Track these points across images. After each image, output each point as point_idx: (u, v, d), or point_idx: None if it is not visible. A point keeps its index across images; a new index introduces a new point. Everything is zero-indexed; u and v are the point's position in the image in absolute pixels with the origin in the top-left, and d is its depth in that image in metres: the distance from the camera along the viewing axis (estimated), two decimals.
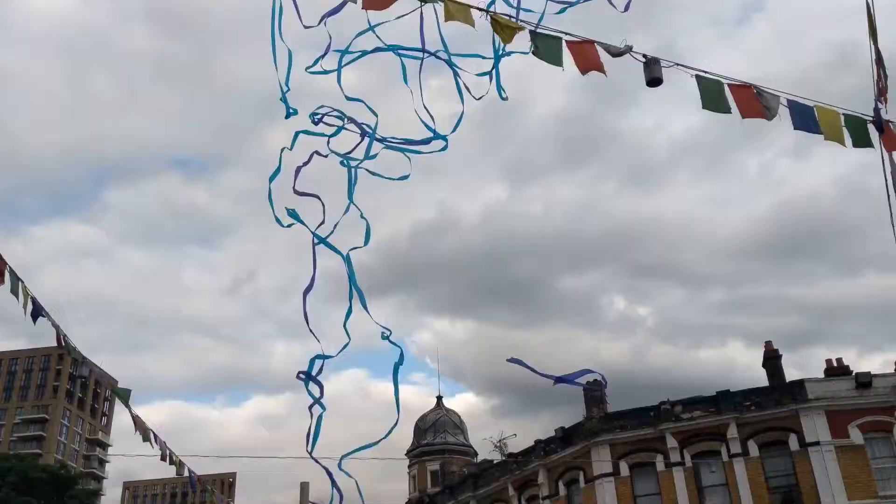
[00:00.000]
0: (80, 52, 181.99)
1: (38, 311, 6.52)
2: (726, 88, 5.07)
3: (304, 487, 13.86)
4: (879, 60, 4.94)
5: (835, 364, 31.16)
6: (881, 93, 5.05)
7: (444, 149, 5.62)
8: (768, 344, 32.77)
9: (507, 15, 5.32)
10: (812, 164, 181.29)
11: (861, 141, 4.99)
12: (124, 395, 8.36)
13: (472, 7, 5.26)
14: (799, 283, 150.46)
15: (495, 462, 39.71)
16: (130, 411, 8.48)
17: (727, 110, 5.04)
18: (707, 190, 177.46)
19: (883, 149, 5.23)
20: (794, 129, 5.15)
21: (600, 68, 5.11)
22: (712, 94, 5.08)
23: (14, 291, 6.04)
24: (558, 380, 5.50)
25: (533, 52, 5.21)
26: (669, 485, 29.18)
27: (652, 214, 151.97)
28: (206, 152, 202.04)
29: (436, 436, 49.40)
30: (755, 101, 5.01)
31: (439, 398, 53.35)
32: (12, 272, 6.02)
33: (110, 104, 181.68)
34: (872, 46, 4.93)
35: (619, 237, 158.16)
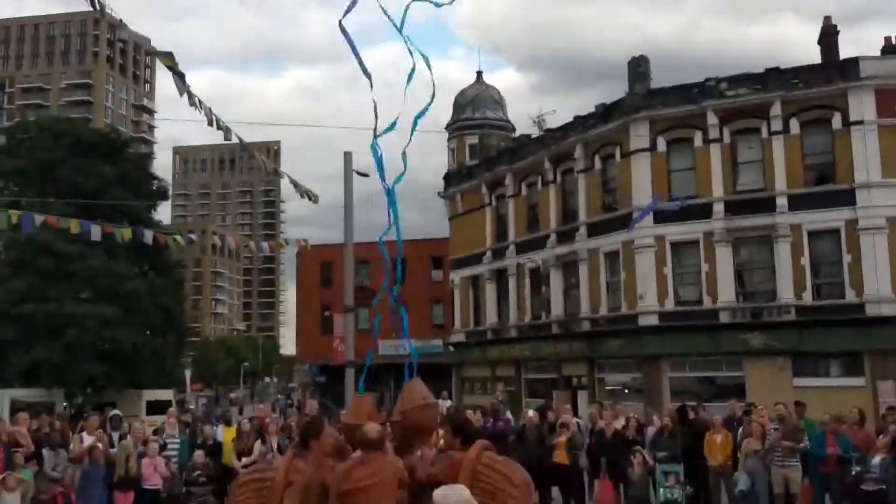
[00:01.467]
0: None
1: None
2: None
3: (348, 157, 14.17)
4: None
5: (894, 42, 29.86)
6: None
7: None
8: (827, 19, 31.22)
9: None
10: None
11: None
12: (168, 57, 8.24)
13: None
14: None
15: (533, 137, 40.20)
16: (176, 71, 8.40)
17: None
18: None
19: None
20: None
21: None
22: None
23: None
24: (635, 222, 5.09)
25: None
26: (705, 160, 29.55)
27: None
28: None
29: (475, 111, 49.56)
30: None
31: (479, 73, 52.73)
32: None
33: None
34: None
35: None
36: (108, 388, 36.71)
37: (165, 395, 35.72)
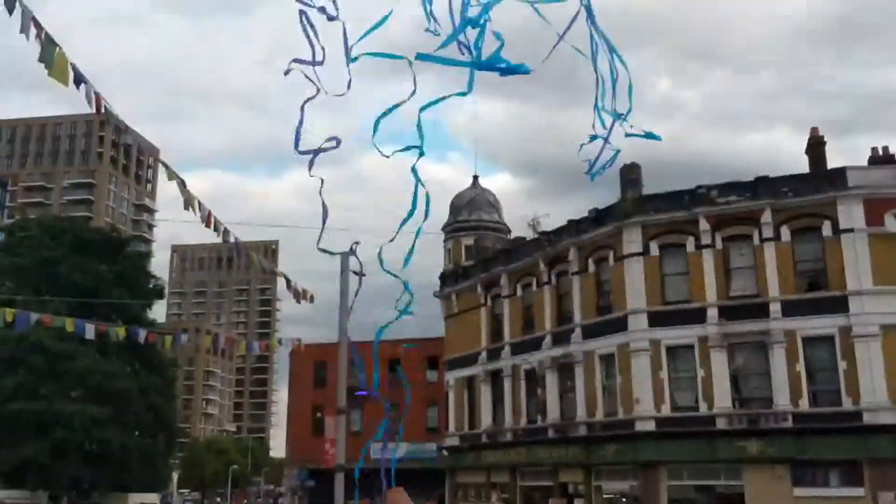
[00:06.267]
0: None
1: (78, 78, 6.48)
2: None
3: (345, 258, 14.30)
4: None
5: (880, 152, 30.64)
6: None
7: None
8: (814, 130, 32.13)
9: None
10: None
11: None
12: (170, 168, 8.48)
13: None
14: (856, 68, 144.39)
15: (528, 239, 40.65)
16: (177, 178, 8.63)
17: None
18: None
19: None
20: None
21: None
22: None
23: (48, 58, 5.96)
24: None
25: None
26: (698, 265, 29.85)
27: None
28: None
29: (471, 213, 50.33)
30: None
31: (475, 177, 53.82)
32: (48, 37, 5.92)
33: None
34: None
35: (668, 16, 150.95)
36: (94, 491, 35.86)
37: (151, 498, 34.88)
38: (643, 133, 4.99)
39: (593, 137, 4.99)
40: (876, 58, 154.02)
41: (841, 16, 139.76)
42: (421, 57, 4.31)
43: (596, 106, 4.78)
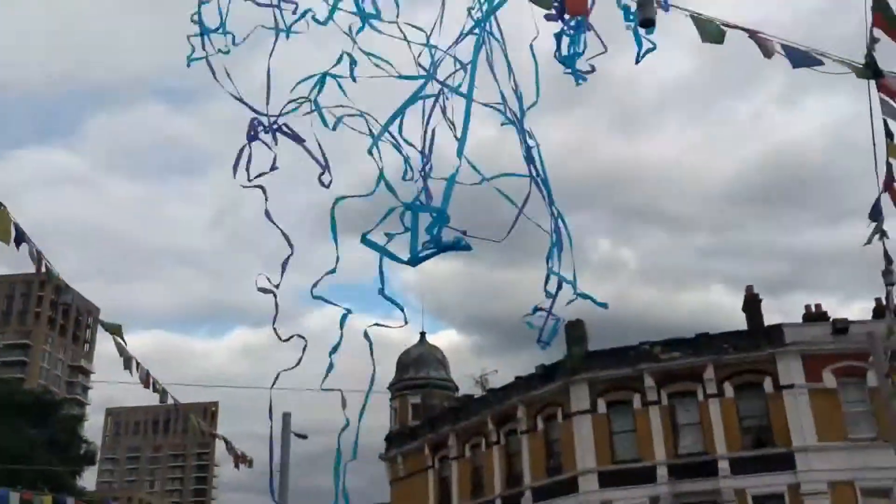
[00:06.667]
0: None
1: (20, 237, 6.45)
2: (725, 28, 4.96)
3: (287, 418, 14.02)
4: (876, 1, 4.86)
5: (813, 310, 31.63)
6: (876, 39, 4.98)
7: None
8: (749, 288, 33.14)
9: None
10: (801, 113, 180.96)
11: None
12: (114, 329, 8.32)
13: None
14: (784, 230, 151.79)
15: (476, 397, 40.27)
16: (121, 342, 8.45)
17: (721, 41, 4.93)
18: (695, 135, 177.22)
19: (872, 95, 5.19)
20: (794, 67, 5.03)
21: (586, 12, 4.91)
22: (712, 32, 4.97)
23: None
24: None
25: None
26: (645, 423, 29.79)
27: (638, 159, 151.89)
28: (191, 80, 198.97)
29: (418, 370, 49.90)
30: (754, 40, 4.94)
31: (422, 334, 53.73)
32: None
33: (96, 28, 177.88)
34: None
35: (605, 180, 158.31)
36: None
37: None
38: (592, 299, 5.11)
39: (536, 309, 5.09)
40: (800, 222, 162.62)
41: (764, 184, 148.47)
42: (366, 242, 4.38)
43: (549, 272, 4.91)
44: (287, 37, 5.18)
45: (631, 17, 5.05)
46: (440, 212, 4.35)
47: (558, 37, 5.09)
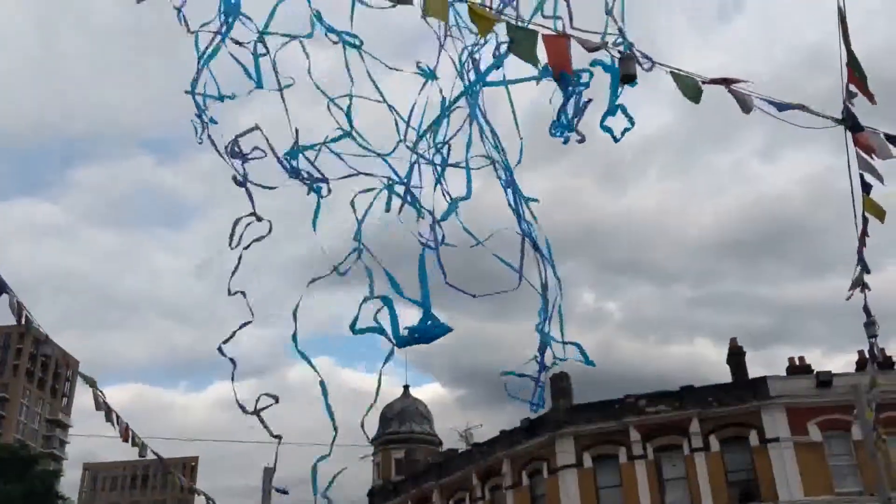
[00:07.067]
0: (51, 23, 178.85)
1: (1, 288, 6.40)
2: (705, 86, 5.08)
3: (268, 473, 13.83)
4: (851, 60, 4.99)
5: (797, 363, 31.66)
6: (853, 94, 5.10)
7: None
8: (733, 341, 33.19)
9: (483, 5, 5.22)
10: (780, 166, 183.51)
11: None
12: (93, 382, 8.23)
13: None
14: (766, 282, 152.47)
15: (460, 451, 39.83)
16: (100, 396, 8.35)
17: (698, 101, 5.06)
18: (676, 188, 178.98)
19: (850, 149, 5.29)
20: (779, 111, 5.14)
21: (568, 69, 5.02)
22: (692, 90, 5.08)
23: None
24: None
25: (509, 47, 5.10)
26: (631, 477, 29.49)
27: (621, 211, 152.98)
28: (175, 132, 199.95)
29: (401, 424, 49.43)
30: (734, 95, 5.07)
31: (406, 387, 53.36)
32: None
33: (81, 77, 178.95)
34: (843, 46, 4.99)
35: (588, 233, 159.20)
36: None
37: None
38: (585, 357, 5.20)
39: (521, 375, 5.27)
40: (782, 274, 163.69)
41: (742, 240, 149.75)
42: (354, 330, 4.70)
43: (542, 338, 5.04)
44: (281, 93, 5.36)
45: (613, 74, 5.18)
46: (426, 309, 4.70)
47: (564, 100, 5.29)
